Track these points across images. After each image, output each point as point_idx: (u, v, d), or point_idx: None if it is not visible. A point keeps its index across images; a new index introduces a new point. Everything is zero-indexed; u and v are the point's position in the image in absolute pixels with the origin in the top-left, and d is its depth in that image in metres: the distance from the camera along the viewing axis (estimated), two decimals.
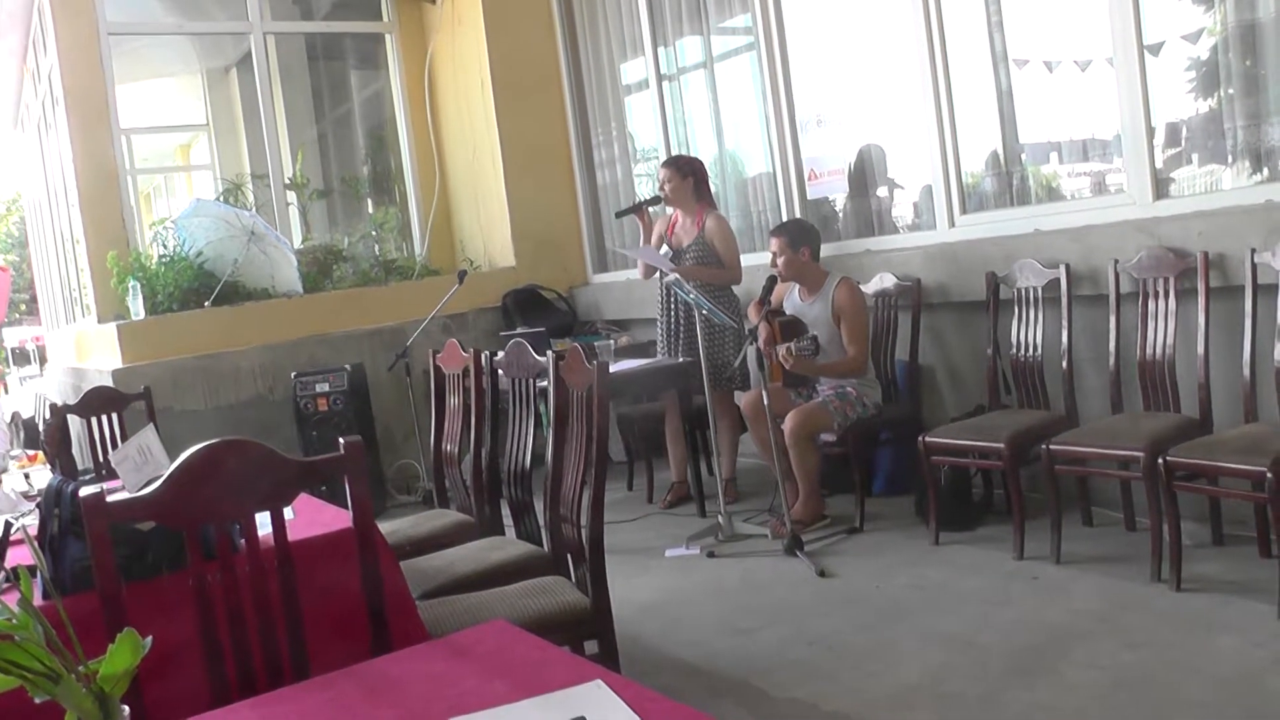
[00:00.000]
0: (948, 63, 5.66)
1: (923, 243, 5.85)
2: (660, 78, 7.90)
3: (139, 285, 7.59)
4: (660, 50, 7.88)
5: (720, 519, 5.45)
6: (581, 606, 3.08)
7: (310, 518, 2.92)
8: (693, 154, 7.50)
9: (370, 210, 10.10)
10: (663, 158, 7.59)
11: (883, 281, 5.75)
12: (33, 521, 3.31)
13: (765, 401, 5.17)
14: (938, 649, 3.81)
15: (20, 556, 3.04)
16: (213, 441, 2.20)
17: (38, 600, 1.47)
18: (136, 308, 7.54)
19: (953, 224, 5.71)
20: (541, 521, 3.69)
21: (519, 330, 7.42)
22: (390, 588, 2.49)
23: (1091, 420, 4.75)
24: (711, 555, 5.26)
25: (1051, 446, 4.40)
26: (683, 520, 5.97)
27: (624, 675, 1.87)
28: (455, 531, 4.10)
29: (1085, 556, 4.49)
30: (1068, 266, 4.84)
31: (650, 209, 6.33)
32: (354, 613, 2.34)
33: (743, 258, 6.22)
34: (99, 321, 8.17)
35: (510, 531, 4.06)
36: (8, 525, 3.17)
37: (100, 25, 8.12)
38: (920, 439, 4.93)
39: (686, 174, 6.20)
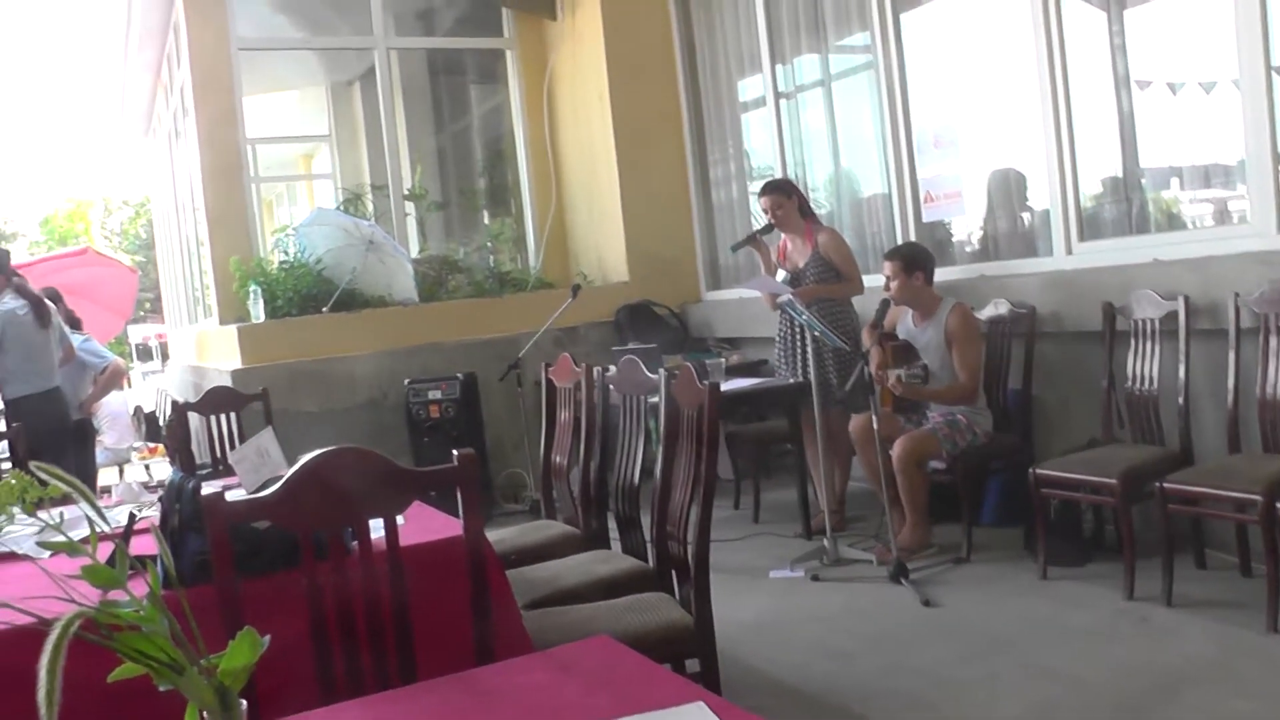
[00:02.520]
0: (1068, 84, 5.58)
1: (1038, 269, 5.77)
2: (778, 95, 7.91)
3: (260, 290, 7.80)
4: (778, 68, 7.89)
5: (826, 542, 5.43)
6: (684, 625, 3.09)
7: (421, 524, 2.97)
8: (808, 174, 7.51)
9: (486, 222, 10.25)
10: (778, 176, 7.59)
11: (997, 308, 5.68)
12: (153, 514, 3.41)
13: (875, 426, 5.14)
14: (1042, 685, 3.75)
15: (141, 545, 3.15)
16: (332, 449, 2.27)
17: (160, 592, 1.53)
18: (257, 311, 7.75)
19: (1070, 251, 5.62)
20: (647, 537, 3.71)
21: (631, 345, 7.46)
22: (497, 597, 2.52)
23: (1207, 459, 4.64)
24: (815, 578, 5.24)
25: (1165, 485, 4.29)
26: (788, 542, 5.96)
27: (723, 696, 1.88)
28: (561, 543, 4.15)
29: (1197, 600, 4.37)
30: (1187, 299, 4.73)
31: (764, 237, 6.31)
32: (460, 620, 2.38)
33: None
34: (220, 323, 8.42)
35: (616, 545, 4.08)
36: (132, 515, 3.28)
37: (231, 41, 8.40)
38: (1031, 470, 4.86)
39: (791, 194, 6.20)
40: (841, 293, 6.08)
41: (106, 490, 5.41)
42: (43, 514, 1.75)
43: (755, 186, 8.31)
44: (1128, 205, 5.53)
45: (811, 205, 6.40)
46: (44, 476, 1.26)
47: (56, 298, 7.69)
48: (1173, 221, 5.50)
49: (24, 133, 66.56)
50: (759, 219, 7.62)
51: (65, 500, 1.33)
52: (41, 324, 6.78)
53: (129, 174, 37.38)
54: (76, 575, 1.28)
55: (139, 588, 1.31)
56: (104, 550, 1.33)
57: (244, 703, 1.33)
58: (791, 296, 5.65)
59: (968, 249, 6.54)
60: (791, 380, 6.09)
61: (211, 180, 8.43)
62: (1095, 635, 4.15)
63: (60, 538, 1.32)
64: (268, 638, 1.32)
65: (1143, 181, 5.57)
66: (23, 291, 6.84)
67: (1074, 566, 4.94)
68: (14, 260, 7.38)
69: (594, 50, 8.69)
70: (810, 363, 5.65)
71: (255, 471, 3.43)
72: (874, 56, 6.82)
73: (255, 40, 8.89)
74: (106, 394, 8.67)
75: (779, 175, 7.65)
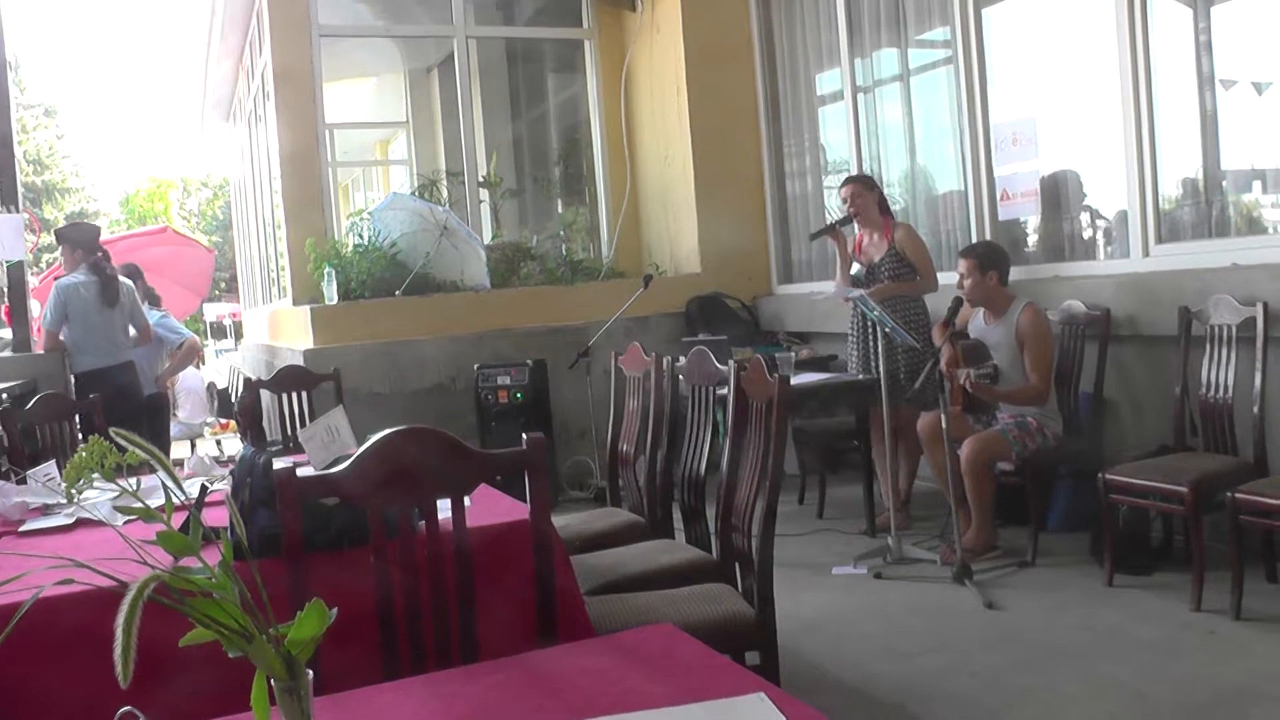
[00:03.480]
0: (1151, 83, 5.49)
1: (1114, 271, 5.69)
2: (855, 89, 7.86)
3: (334, 272, 7.89)
4: (857, 61, 7.84)
5: (890, 541, 5.41)
6: (747, 617, 3.10)
7: (487, 507, 3.00)
8: (884, 169, 7.46)
9: (560, 211, 10.28)
10: (854, 171, 7.57)
11: (1071, 309, 5.62)
12: (224, 487, 3.47)
13: (944, 425, 5.11)
14: (1104, 696, 3.71)
15: (212, 517, 3.20)
16: (402, 428, 2.30)
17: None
18: (330, 293, 7.85)
19: (1147, 253, 5.54)
20: (712, 528, 3.71)
21: (701, 337, 7.46)
22: (560, 582, 2.54)
23: None
24: (879, 576, 5.22)
25: (1237, 495, 4.21)
26: (852, 539, 5.95)
27: (783, 689, 1.88)
28: (626, 531, 4.16)
29: (1268, 615, 4.28)
30: (1265, 305, 4.64)
31: (843, 229, 6.29)
32: (524, 602, 2.40)
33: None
34: (294, 303, 8.52)
35: (680, 536, 4.09)
36: (204, 488, 3.34)
37: (313, 28, 8.50)
38: (1100, 476, 4.80)
39: (872, 188, 6.21)
40: (915, 290, 6.05)
41: (179, 463, 5.51)
42: (120, 482, 1.78)
43: (830, 181, 8.33)
44: (1208, 208, 5.44)
45: (888, 202, 6.37)
46: (122, 443, 1.29)
47: (136, 274, 7.84)
48: (1253, 225, 5.39)
49: (108, 114, 67.85)
50: (833, 213, 7.61)
51: (141, 470, 1.36)
52: (106, 302, 6.91)
53: (208, 156, 38.05)
54: (151, 541, 1.31)
55: (211, 557, 1.34)
56: (178, 520, 1.36)
57: (310, 673, 1.35)
58: (864, 293, 5.62)
59: (1043, 248, 6.46)
60: (861, 376, 6.06)
61: (289, 164, 8.53)
62: (1160, 647, 4.09)
63: (136, 504, 1.35)
64: (335, 610, 1.34)
65: (1224, 184, 5.46)
66: (95, 269, 6.98)
67: (1140, 575, 4.87)
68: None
69: (673, 42, 8.69)
70: (881, 359, 5.63)
71: (324, 449, 3.48)
72: (953, 51, 6.76)
73: (336, 27, 8.99)
74: (182, 369, 8.84)
75: (855, 170, 7.64)
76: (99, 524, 2.96)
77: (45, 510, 3.59)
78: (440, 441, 2.31)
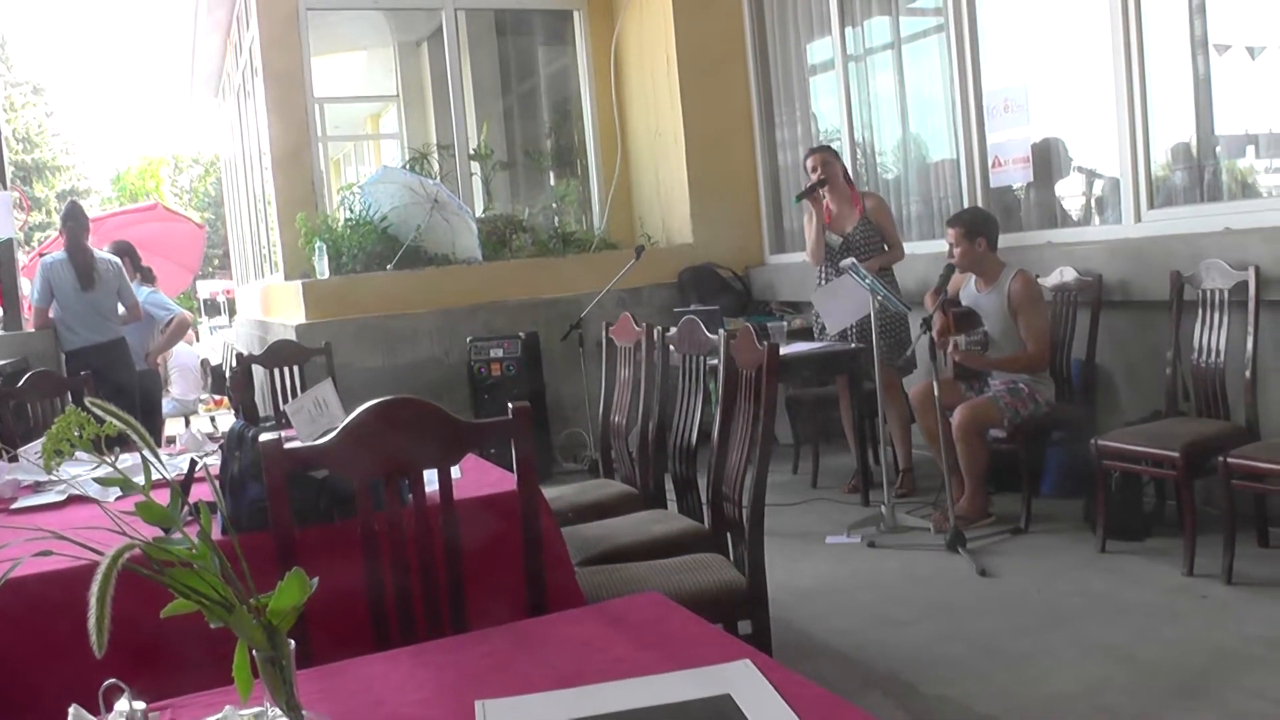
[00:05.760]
0: (1143, 47, 5.46)
1: (1106, 237, 5.68)
2: (846, 58, 7.82)
3: (325, 246, 7.88)
4: (847, 30, 7.80)
5: (883, 509, 5.42)
6: (738, 585, 3.10)
7: (477, 478, 3.00)
8: (876, 138, 7.46)
9: (551, 183, 10.25)
10: (845, 140, 7.56)
11: (1063, 276, 5.61)
12: (215, 462, 3.47)
13: (935, 393, 5.11)
14: (1096, 660, 3.72)
15: (202, 493, 3.20)
16: (387, 398, 2.29)
17: (216, 535, 1.56)
18: (322, 267, 7.83)
19: (1139, 218, 5.53)
20: (704, 498, 3.72)
21: (693, 307, 7.45)
22: (550, 552, 2.54)
23: (1273, 434, 4.55)
24: (872, 545, 5.23)
25: (1229, 459, 4.20)
26: (845, 508, 5.96)
27: (774, 658, 1.88)
28: (618, 502, 4.16)
29: (1259, 579, 4.29)
30: (1258, 269, 4.63)
31: (822, 190, 6.29)
32: (513, 573, 2.40)
33: (924, 245, 6.15)
34: (286, 279, 8.52)
35: (673, 506, 4.10)
36: (193, 463, 3.34)
37: (300, 1, 8.43)
38: (1092, 442, 4.81)
39: (837, 157, 6.31)
40: (890, 260, 6.15)
41: (172, 440, 5.51)
42: (100, 455, 1.77)
43: None
44: (1200, 172, 5.42)
45: (877, 170, 6.38)
46: (99, 413, 1.28)
47: (127, 251, 7.81)
48: (1246, 190, 5.37)
49: (97, 91, 67.57)
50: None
51: (127, 446, 1.35)
52: (82, 285, 6.90)
53: (199, 133, 37.91)
54: (132, 512, 1.31)
55: (194, 531, 1.33)
56: (164, 495, 1.35)
57: (292, 643, 1.35)
58: (855, 261, 5.61)
59: (1035, 215, 6.44)
60: (853, 345, 6.05)
61: (279, 139, 8.51)
62: (1152, 612, 4.10)
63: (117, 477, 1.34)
64: (316, 580, 1.34)
65: (1217, 148, 5.44)
66: (70, 251, 6.97)
67: (1133, 541, 4.89)
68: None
69: (662, 11, 8.65)
70: (874, 327, 5.62)
71: (312, 422, 3.46)
72: (945, 19, 6.73)
73: (324, 1, 8.92)
74: (171, 346, 8.82)
75: (846, 139, 7.66)
76: (90, 501, 2.95)
77: (36, 488, 3.59)
78: (426, 411, 2.30)
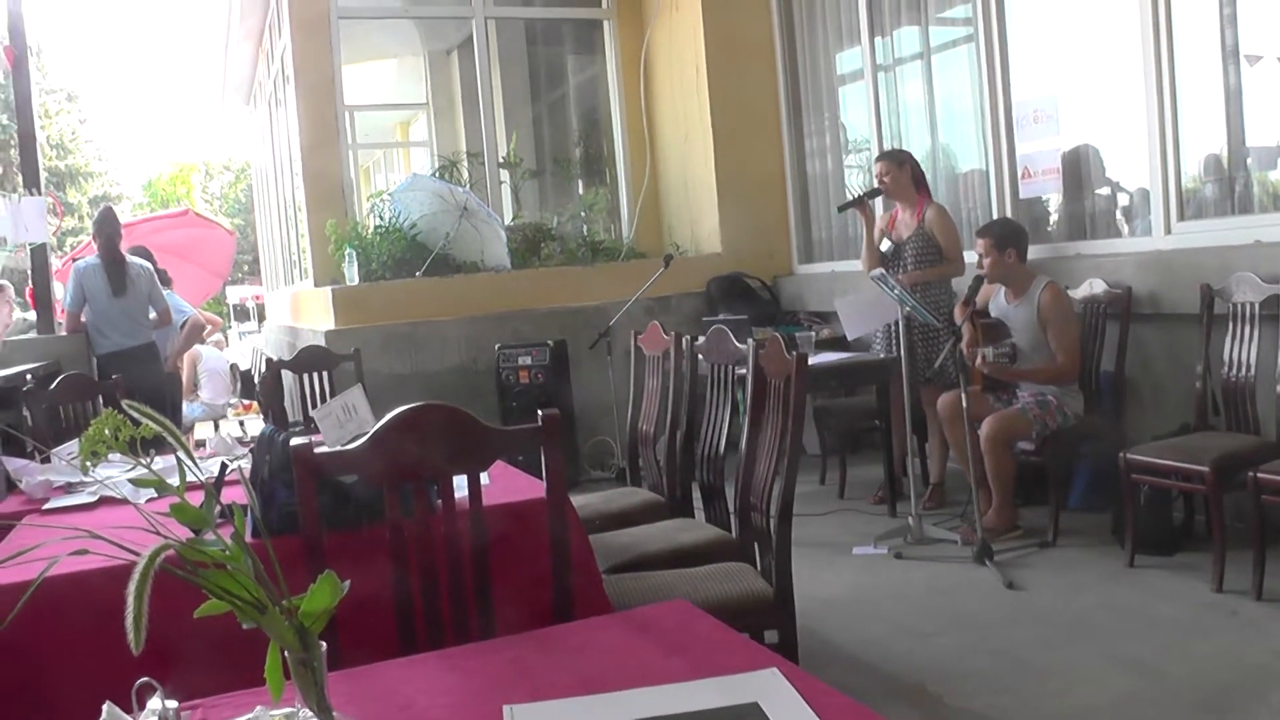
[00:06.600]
0: (1174, 57, 5.42)
1: (1136, 249, 5.65)
2: (876, 68, 7.81)
3: (355, 253, 7.91)
4: (877, 40, 7.80)
5: (910, 520, 5.40)
6: (765, 595, 3.10)
7: (505, 485, 3.01)
8: (905, 147, 7.42)
9: (580, 191, 10.28)
10: (874, 150, 7.55)
11: (1092, 288, 5.58)
12: (245, 465, 3.49)
13: (964, 404, 5.09)
14: (1123, 675, 3.70)
15: (233, 496, 3.22)
16: (417, 404, 2.30)
17: (248, 537, 1.57)
18: (351, 274, 7.87)
19: (1168, 231, 5.50)
20: (731, 507, 3.71)
21: (721, 317, 7.45)
22: (578, 559, 2.55)
23: None
24: (899, 557, 5.22)
25: (1259, 474, 4.16)
26: (872, 519, 5.94)
27: (800, 668, 1.88)
28: (645, 510, 4.17)
29: None
30: None
31: (870, 201, 6.26)
32: (541, 579, 2.40)
33: None
34: (315, 285, 8.56)
35: (700, 515, 4.10)
36: (223, 466, 3.36)
37: (331, 9, 8.54)
38: (1121, 455, 4.78)
39: (904, 163, 6.14)
40: (941, 275, 6.03)
41: (201, 444, 5.55)
42: (136, 458, 1.78)
43: (851, 160, 8.29)
44: (1230, 185, 5.38)
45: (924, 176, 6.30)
46: (135, 415, 1.30)
47: (145, 256, 7.87)
48: (1277, 203, 5.33)
49: (130, 99, 68.13)
50: (853, 191, 7.59)
51: (164, 449, 1.37)
52: (114, 290, 6.96)
53: (230, 139, 38.16)
54: (164, 514, 1.32)
55: (228, 533, 1.35)
56: (197, 498, 1.37)
57: (323, 645, 1.36)
58: (883, 272, 5.59)
59: (1064, 226, 6.42)
60: (884, 355, 6.04)
61: (310, 146, 8.57)
62: (1181, 627, 4.07)
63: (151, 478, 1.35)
64: (348, 583, 1.35)
65: (1247, 160, 5.39)
66: (103, 256, 7.04)
67: (1162, 555, 4.85)
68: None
69: (691, 21, 8.66)
70: (903, 338, 5.60)
71: (340, 427, 3.49)
72: (974, 29, 6.71)
73: (355, 9, 8.99)
74: (188, 348, 8.87)
75: (875, 149, 7.62)
76: (122, 502, 2.97)
77: (69, 489, 3.63)
78: (455, 418, 2.31)
